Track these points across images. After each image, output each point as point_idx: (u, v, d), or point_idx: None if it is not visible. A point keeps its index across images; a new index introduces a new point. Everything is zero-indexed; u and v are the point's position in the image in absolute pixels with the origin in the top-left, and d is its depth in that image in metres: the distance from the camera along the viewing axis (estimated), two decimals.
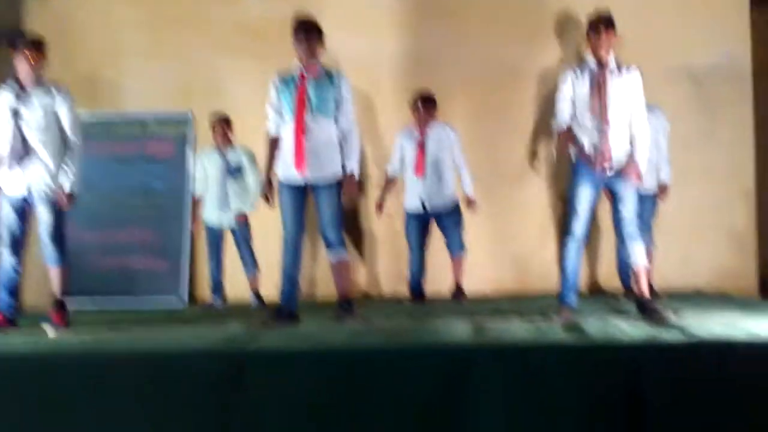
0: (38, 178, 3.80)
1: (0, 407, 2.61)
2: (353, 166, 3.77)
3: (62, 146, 3.86)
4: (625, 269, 4.68)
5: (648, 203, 4.76)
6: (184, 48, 5.70)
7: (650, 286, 3.84)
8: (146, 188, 5.66)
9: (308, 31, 3.73)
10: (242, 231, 5.16)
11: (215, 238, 5.20)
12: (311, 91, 3.72)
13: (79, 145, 3.90)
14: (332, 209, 3.75)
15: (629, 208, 3.68)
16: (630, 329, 3.16)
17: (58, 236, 3.83)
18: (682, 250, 5.28)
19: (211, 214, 5.19)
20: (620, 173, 3.65)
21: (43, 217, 3.81)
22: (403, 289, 5.18)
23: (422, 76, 5.49)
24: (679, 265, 5.26)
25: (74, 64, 5.50)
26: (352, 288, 3.94)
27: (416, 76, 5.50)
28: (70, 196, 3.83)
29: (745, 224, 5.44)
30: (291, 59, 3.83)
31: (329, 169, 3.75)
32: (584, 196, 3.67)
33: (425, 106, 5.00)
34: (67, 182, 3.82)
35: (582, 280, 5.07)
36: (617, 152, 3.64)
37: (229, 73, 5.65)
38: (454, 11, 5.61)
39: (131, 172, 5.69)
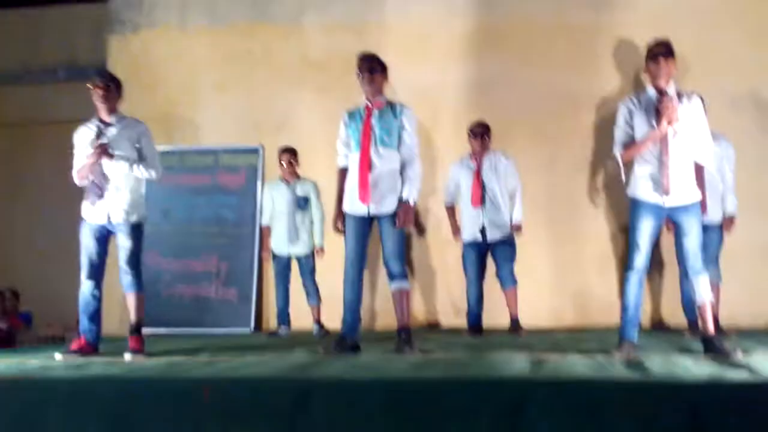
0: (118, 207, 3.98)
1: (80, 430, 2.76)
2: (410, 194, 3.84)
3: (140, 178, 4.07)
4: (689, 304, 4.52)
5: (713, 235, 4.66)
6: (254, 83, 5.99)
7: (716, 322, 3.74)
8: (218, 218, 5.94)
9: (372, 68, 3.86)
10: (308, 262, 5.32)
11: (283, 268, 5.35)
12: (376, 124, 3.86)
13: (160, 177, 4.12)
14: (395, 240, 3.83)
15: (693, 241, 3.57)
16: (694, 367, 3.09)
17: (136, 263, 4.00)
18: (751, 283, 5.13)
19: (280, 244, 5.34)
20: (683, 205, 3.59)
21: (123, 244, 3.98)
22: (460, 321, 5.21)
23: (481, 104, 5.57)
24: (749, 299, 5.10)
25: (152, 100, 5.86)
26: (411, 318, 4.01)
27: (475, 105, 5.59)
28: (139, 226, 4.03)
29: None
30: (354, 92, 3.96)
31: (391, 200, 3.84)
32: (645, 228, 3.59)
33: (479, 136, 5.07)
34: (135, 215, 4.02)
35: (645, 315, 5.00)
36: (679, 183, 3.56)
37: (295, 106, 5.88)
38: (513, 40, 5.70)
39: (204, 203, 5.99)
